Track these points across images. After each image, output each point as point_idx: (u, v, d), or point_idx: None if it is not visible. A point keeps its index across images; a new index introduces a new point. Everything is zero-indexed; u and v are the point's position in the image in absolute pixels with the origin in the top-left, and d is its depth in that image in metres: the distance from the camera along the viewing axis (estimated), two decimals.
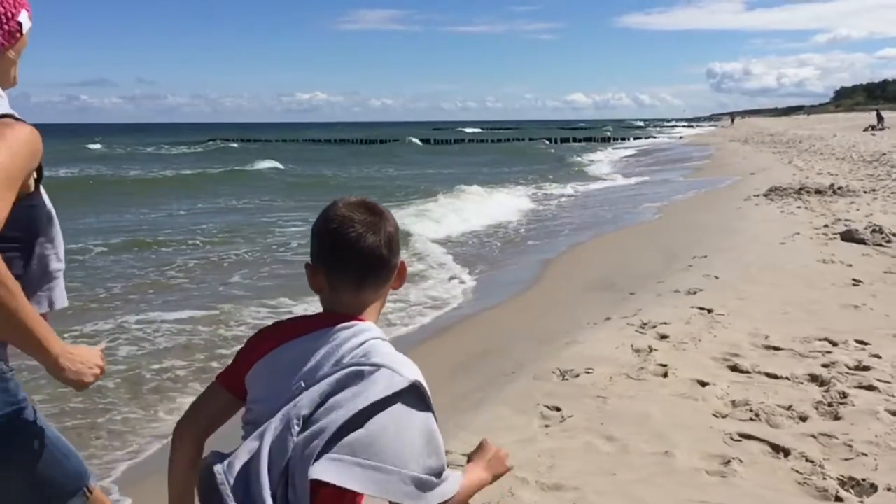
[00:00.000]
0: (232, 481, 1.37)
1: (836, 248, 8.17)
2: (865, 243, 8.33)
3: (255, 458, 1.37)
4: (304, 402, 1.39)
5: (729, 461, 3.27)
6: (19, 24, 1.72)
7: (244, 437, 1.47)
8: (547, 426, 3.80)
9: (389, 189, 23.41)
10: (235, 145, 70.30)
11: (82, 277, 9.75)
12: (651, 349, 4.86)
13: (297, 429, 1.37)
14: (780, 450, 3.40)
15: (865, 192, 13.25)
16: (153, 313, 7.84)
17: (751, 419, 3.76)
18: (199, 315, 7.69)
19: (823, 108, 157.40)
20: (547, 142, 71.84)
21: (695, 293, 6.43)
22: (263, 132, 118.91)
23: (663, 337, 5.16)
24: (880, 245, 8.28)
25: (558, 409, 3.94)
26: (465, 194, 18.86)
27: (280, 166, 36.53)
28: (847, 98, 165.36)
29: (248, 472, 1.36)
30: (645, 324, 5.46)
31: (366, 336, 1.48)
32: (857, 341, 4.95)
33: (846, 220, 9.95)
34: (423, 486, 1.41)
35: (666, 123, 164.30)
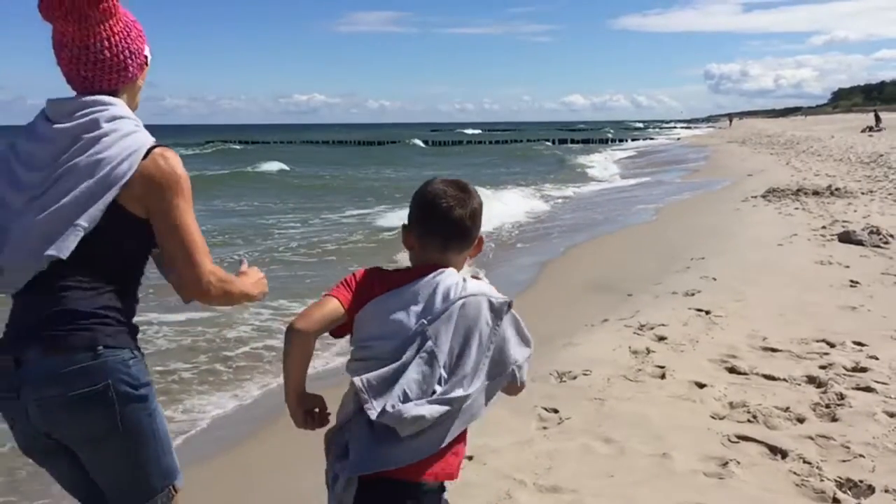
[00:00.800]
0: (372, 394, 1.67)
1: (833, 250, 8.18)
2: (863, 244, 8.34)
3: (397, 384, 1.67)
4: (443, 334, 1.71)
5: (726, 463, 3.27)
6: (146, 56, 2.06)
7: (354, 371, 1.74)
8: (545, 428, 3.80)
9: (402, 189, 23.42)
10: (237, 147, 70.52)
11: None
12: (649, 351, 4.87)
13: (441, 370, 1.70)
14: (777, 451, 3.40)
15: (863, 193, 13.27)
16: (152, 314, 7.84)
17: (748, 421, 3.77)
18: (198, 317, 7.70)
19: (821, 109, 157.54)
20: (548, 143, 72.00)
21: (692, 295, 6.43)
22: (262, 134, 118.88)
23: (661, 338, 5.16)
24: (878, 246, 8.28)
25: (556, 411, 3.94)
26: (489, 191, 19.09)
27: (286, 168, 36.56)
28: (845, 99, 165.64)
29: (388, 393, 1.67)
30: (643, 325, 5.47)
31: (457, 276, 1.79)
32: (855, 343, 4.95)
33: (844, 221, 9.96)
34: (526, 363, 1.84)
35: (665, 125, 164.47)
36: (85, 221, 1.83)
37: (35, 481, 4.32)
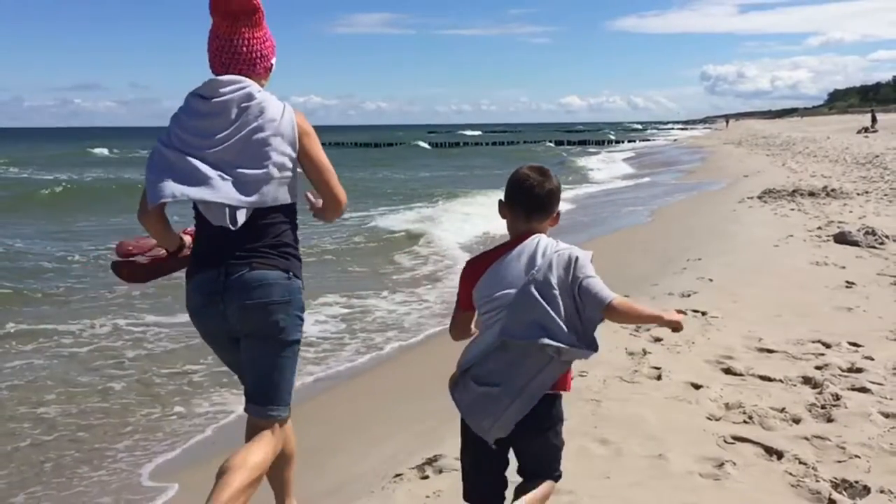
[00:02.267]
0: (524, 329, 2.24)
1: (829, 251, 8.20)
2: (858, 245, 8.36)
3: (540, 306, 2.24)
4: (550, 276, 2.25)
5: (722, 464, 3.28)
6: (272, 64, 2.66)
7: (486, 320, 2.33)
8: None
9: (400, 192, 23.43)
10: None
11: (84, 279, 9.79)
12: (645, 352, 4.87)
13: (554, 284, 2.25)
14: (773, 452, 3.41)
15: (858, 194, 13.30)
16: (149, 317, 7.83)
17: (744, 422, 3.77)
18: None
19: (817, 110, 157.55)
20: (549, 144, 72.86)
21: (689, 296, 6.44)
22: None
23: (657, 339, 5.17)
24: (873, 247, 8.30)
25: None
26: (487, 197, 19.50)
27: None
28: (840, 100, 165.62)
29: (539, 317, 2.24)
30: (639, 326, 5.47)
31: (548, 238, 2.36)
32: (850, 343, 4.96)
33: (839, 222, 9.98)
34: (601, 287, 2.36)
35: (662, 126, 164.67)
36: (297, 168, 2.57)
37: (59, 473, 4.42)
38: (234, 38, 2.52)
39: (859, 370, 4.46)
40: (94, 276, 10.25)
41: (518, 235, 2.36)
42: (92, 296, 8.91)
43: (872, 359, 4.64)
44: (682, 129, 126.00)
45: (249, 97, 2.46)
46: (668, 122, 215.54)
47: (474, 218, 15.63)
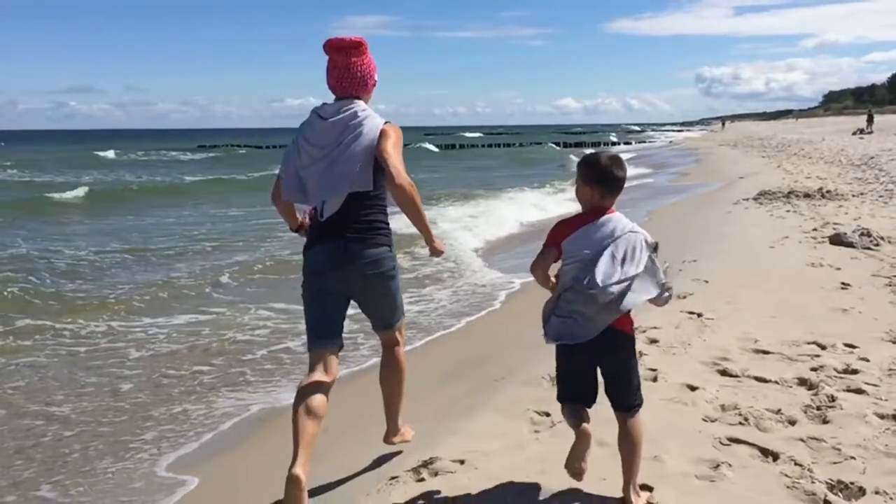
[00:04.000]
0: (592, 284, 2.82)
1: (824, 252, 8.21)
2: (854, 247, 8.38)
3: (594, 270, 2.83)
4: (618, 248, 2.86)
5: (718, 465, 3.28)
6: (375, 80, 3.41)
7: (567, 269, 2.93)
8: (537, 431, 3.80)
9: (432, 192, 23.45)
10: (243, 151, 72.42)
11: (96, 279, 9.87)
12: (641, 354, 4.86)
13: (619, 260, 2.85)
14: (768, 454, 3.41)
15: (854, 195, 13.33)
16: (146, 318, 7.82)
17: (740, 423, 3.78)
18: (196, 320, 7.73)
19: (812, 111, 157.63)
20: (552, 146, 74.03)
21: (684, 297, 6.44)
22: (256, 138, 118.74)
23: (653, 341, 5.17)
24: (869, 248, 8.33)
25: (548, 415, 3.95)
26: (489, 199, 19.69)
27: None
28: (835, 102, 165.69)
29: (594, 278, 2.83)
30: (635, 328, 5.45)
31: (624, 218, 2.95)
32: (846, 345, 4.97)
33: (835, 223, 10.00)
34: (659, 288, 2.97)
35: (659, 128, 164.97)
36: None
37: (83, 464, 4.52)
38: (350, 68, 3.30)
39: (855, 371, 4.47)
40: (98, 277, 10.28)
41: (602, 208, 2.93)
42: (96, 295, 8.96)
43: (868, 360, 4.65)
44: (678, 130, 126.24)
45: (355, 115, 3.24)
46: (664, 124, 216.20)
47: (476, 219, 15.64)
